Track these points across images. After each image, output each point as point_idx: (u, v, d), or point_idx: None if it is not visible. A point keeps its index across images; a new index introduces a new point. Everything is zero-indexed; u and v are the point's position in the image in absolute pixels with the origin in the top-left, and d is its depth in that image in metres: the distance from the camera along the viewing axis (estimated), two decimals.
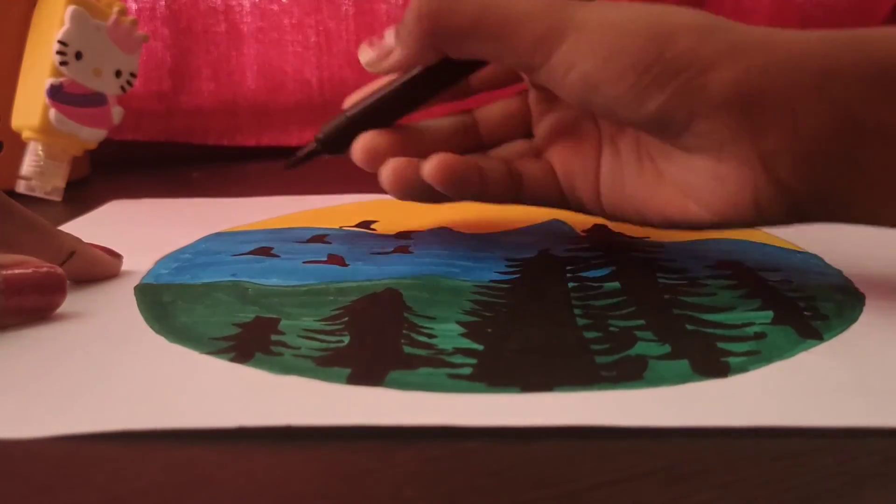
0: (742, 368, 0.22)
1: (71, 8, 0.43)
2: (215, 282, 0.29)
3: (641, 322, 0.25)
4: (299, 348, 0.23)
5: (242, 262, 0.31)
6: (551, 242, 0.34)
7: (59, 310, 0.25)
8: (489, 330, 0.25)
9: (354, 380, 0.21)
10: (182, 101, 0.59)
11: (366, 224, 0.37)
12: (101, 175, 0.52)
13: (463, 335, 0.24)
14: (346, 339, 0.24)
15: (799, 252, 0.33)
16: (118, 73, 0.46)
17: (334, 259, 0.32)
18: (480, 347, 0.23)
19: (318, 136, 0.32)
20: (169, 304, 0.27)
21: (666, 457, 0.18)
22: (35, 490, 0.17)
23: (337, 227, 0.37)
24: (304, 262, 0.31)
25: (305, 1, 0.60)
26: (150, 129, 0.58)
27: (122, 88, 0.46)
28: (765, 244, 0.34)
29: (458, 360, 0.22)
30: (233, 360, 0.22)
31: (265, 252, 0.33)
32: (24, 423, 0.19)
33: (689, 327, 0.25)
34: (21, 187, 0.43)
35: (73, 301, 0.26)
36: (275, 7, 0.60)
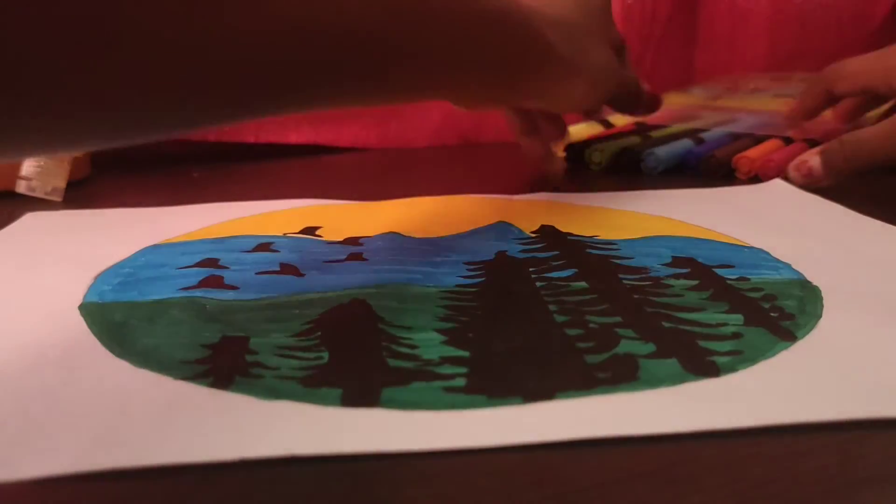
0: (731, 368, 0.22)
1: None
2: (167, 298, 0.27)
3: (618, 319, 0.25)
4: (279, 368, 0.22)
5: (191, 276, 0.29)
6: (504, 244, 0.34)
7: (2, 333, 0.24)
8: (470, 335, 0.24)
9: (349, 401, 0.20)
10: None
11: (310, 230, 0.35)
12: (102, 175, 0.52)
13: (445, 343, 0.23)
14: (326, 356, 0.23)
15: (745, 247, 0.33)
16: None
17: (288, 269, 0.30)
18: (466, 354, 0.23)
19: None
20: (123, 325, 0.25)
21: (666, 457, 0.18)
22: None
23: (280, 234, 0.35)
24: (256, 274, 0.30)
25: None
26: None
27: None
28: (711, 240, 0.34)
29: (447, 370, 0.22)
30: (212, 385, 0.21)
31: (212, 264, 0.31)
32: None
33: (666, 325, 0.24)
34: (21, 187, 0.44)
35: (14, 323, 0.25)
36: None
